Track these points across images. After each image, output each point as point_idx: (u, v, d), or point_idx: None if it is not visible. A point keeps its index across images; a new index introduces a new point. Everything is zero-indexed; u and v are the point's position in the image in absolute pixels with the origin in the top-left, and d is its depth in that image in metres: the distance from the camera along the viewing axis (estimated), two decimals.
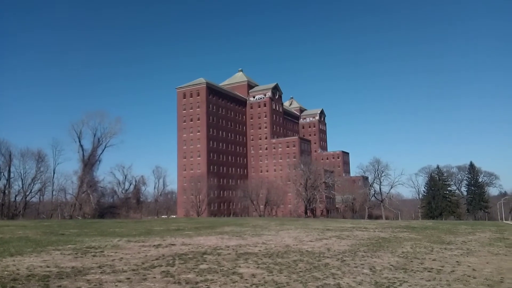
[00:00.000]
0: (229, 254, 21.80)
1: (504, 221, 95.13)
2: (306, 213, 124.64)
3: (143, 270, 16.57)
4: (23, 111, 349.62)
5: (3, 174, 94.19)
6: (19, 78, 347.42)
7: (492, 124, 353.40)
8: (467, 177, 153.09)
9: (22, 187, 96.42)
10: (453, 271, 17.39)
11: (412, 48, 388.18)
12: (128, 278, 14.87)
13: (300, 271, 16.68)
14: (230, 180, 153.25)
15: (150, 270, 16.71)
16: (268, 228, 42.38)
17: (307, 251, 23.46)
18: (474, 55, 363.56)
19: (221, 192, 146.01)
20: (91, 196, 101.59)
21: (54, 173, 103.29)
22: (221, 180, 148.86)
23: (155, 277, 15.15)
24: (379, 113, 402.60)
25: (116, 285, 13.68)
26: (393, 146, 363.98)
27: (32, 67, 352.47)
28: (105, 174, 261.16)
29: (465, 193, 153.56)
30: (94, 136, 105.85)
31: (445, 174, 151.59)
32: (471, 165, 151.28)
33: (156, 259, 19.82)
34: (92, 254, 21.36)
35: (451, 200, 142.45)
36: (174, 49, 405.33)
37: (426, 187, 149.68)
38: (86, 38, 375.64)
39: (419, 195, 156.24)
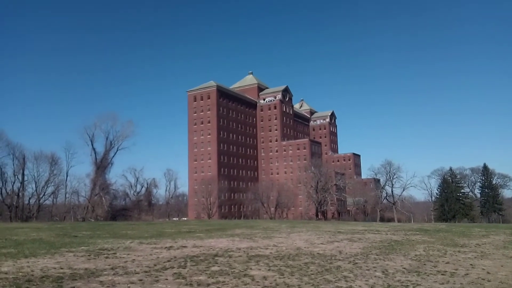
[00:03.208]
0: (240, 256, 21.82)
1: None
2: (317, 215, 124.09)
3: (155, 272, 16.68)
4: (36, 114, 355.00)
5: (17, 177, 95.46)
6: (32, 81, 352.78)
7: (506, 125, 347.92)
8: (480, 179, 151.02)
9: (36, 189, 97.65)
10: (467, 274, 17.15)
11: (423, 50, 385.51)
12: (141, 280, 14.99)
13: (312, 274, 16.62)
14: (240, 183, 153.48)
15: (162, 271, 16.81)
16: (279, 231, 42.31)
17: (318, 253, 23.35)
18: (488, 57, 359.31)
19: (232, 194, 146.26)
20: (103, 198, 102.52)
21: (67, 176, 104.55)
22: (232, 182, 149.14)
23: (167, 279, 15.25)
24: (391, 114, 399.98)
25: (129, 287, 13.80)
26: (405, 148, 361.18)
27: (45, 70, 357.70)
28: (117, 177, 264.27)
29: (478, 196, 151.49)
30: (107, 139, 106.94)
31: (458, 176, 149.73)
32: (485, 167, 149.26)
33: (168, 261, 19.93)
34: (105, 255, 21.56)
35: (465, 202, 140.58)
36: (184, 52, 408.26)
37: (439, 190, 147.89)
38: (98, 41, 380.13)
39: (431, 197, 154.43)
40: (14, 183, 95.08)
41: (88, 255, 21.63)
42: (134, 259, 20.25)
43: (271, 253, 23.39)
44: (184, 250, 24.37)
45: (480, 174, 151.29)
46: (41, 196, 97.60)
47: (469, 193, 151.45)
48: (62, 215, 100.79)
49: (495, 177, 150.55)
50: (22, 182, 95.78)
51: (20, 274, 15.88)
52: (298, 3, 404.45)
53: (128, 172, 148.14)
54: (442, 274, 16.93)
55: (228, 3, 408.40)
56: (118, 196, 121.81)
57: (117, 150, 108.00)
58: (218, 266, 18.25)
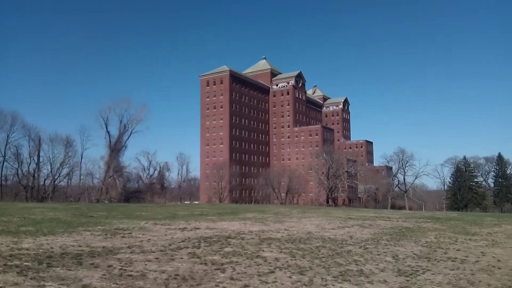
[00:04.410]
0: (252, 238, 22.23)
1: None
2: (327, 202, 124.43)
3: (170, 251, 17.17)
4: (52, 97, 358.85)
5: (33, 159, 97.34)
6: (48, 63, 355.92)
7: None
8: (494, 168, 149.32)
9: (51, 171, 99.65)
10: (477, 261, 17.29)
11: (437, 37, 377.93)
12: (157, 258, 15.47)
13: (323, 257, 16.93)
14: (252, 168, 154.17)
15: (177, 251, 17.30)
16: (290, 216, 42.71)
17: (329, 238, 23.66)
18: (502, 46, 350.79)
19: (243, 179, 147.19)
20: (117, 181, 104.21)
21: (81, 158, 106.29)
22: (243, 167, 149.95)
23: (182, 258, 15.71)
24: (404, 102, 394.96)
25: (146, 264, 14.27)
26: (419, 136, 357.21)
27: (61, 53, 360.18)
28: (130, 160, 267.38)
29: (492, 185, 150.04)
30: (121, 122, 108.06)
31: (472, 165, 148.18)
32: (499, 157, 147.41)
33: (182, 241, 20.44)
34: (121, 235, 22.16)
35: (477, 191, 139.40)
36: (198, 37, 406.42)
37: (451, 178, 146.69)
38: (113, 25, 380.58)
39: (444, 186, 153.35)
40: (30, 164, 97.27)
41: (105, 234, 22.25)
42: (149, 239, 20.80)
43: (282, 236, 23.77)
44: (197, 232, 24.89)
45: (494, 164, 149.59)
46: (56, 177, 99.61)
47: (483, 183, 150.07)
48: (76, 196, 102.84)
49: (510, 167, 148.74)
50: (37, 163, 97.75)
51: (41, 250, 16.48)
52: None
53: (142, 155, 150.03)
54: (453, 261, 17.10)
55: None
56: (132, 179, 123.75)
57: (130, 134, 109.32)
58: (231, 248, 18.67)
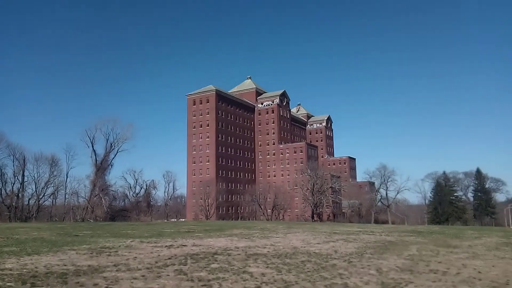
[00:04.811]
0: (239, 254, 22.37)
1: (511, 227, 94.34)
2: (313, 217, 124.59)
3: (157, 269, 17.21)
4: (37, 116, 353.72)
5: (17, 178, 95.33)
6: (32, 82, 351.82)
7: (499, 130, 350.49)
8: (473, 183, 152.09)
9: (36, 190, 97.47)
10: (459, 273, 17.68)
11: (418, 52, 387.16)
12: (143, 276, 15.51)
13: (308, 271, 17.19)
14: (238, 185, 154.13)
15: (163, 268, 17.34)
16: (276, 231, 42.85)
17: (314, 252, 23.94)
18: (481, 59, 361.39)
19: (230, 196, 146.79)
20: (103, 199, 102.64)
21: (67, 177, 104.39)
22: (230, 184, 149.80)
23: (168, 275, 15.78)
24: (385, 119, 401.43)
25: (132, 282, 14.30)
26: (399, 151, 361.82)
27: (46, 71, 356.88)
28: (116, 178, 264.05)
29: (471, 199, 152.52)
30: (107, 141, 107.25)
31: (451, 180, 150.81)
32: (478, 171, 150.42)
33: (169, 258, 20.46)
34: (107, 253, 22.05)
35: (458, 205, 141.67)
36: (184, 56, 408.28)
37: (432, 193, 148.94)
38: (99, 43, 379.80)
39: (425, 200, 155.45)
40: (14, 184, 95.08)
41: (91, 253, 22.10)
42: (135, 257, 20.77)
43: (268, 251, 23.95)
44: (184, 249, 24.90)
45: (473, 178, 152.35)
46: (40, 197, 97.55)
47: (462, 197, 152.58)
48: (61, 216, 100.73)
49: (488, 181, 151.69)
50: (22, 183, 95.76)
51: (25, 270, 16.34)
52: (296, 9, 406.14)
53: (128, 174, 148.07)
54: (435, 273, 17.49)
55: (228, 9, 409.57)
56: (118, 197, 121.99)
57: (117, 152, 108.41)
58: (218, 264, 18.80)
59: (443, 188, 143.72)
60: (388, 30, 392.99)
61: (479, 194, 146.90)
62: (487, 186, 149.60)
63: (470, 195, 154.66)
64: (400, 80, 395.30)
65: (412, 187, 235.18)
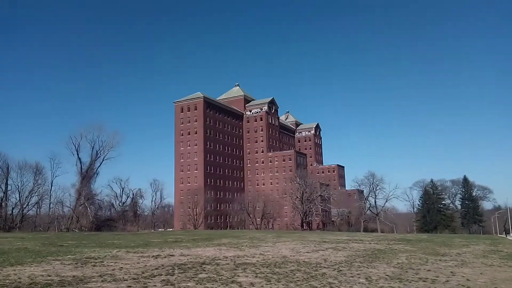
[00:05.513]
0: (228, 264, 22.10)
1: (498, 234, 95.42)
2: (302, 226, 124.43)
3: (143, 279, 16.86)
4: (21, 123, 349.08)
5: (0, 187, 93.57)
6: (16, 89, 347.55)
7: (485, 138, 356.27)
8: (461, 191, 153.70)
9: (19, 199, 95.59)
10: (448, 281, 17.73)
11: (405, 63, 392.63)
12: (129, 286, 15.18)
13: (298, 280, 17.02)
14: (227, 193, 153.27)
15: (150, 279, 17.00)
16: (265, 240, 42.59)
17: (304, 261, 23.78)
18: (470, 69, 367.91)
19: (218, 205, 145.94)
20: (88, 209, 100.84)
21: (51, 186, 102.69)
22: (218, 193, 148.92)
23: (155, 285, 15.46)
24: (373, 127, 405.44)
25: None
26: (388, 159, 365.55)
27: (31, 79, 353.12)
28: (102, 187, 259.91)
29: (459, 207, 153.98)
30: (92, 149, 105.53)
31: (439, 188, 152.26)
32: (465, 179, 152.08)
33: (156, 268, 20.10)
34: (92, 264, 21.60)
35: (446, 213, 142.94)
36: (172, 63, 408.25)
37: (420, 201, 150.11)
38: (84, 51, 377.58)
39: (413, 208, 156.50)
40: None
41: (75, 263, 21.63)
42: (121, 267, 20.36)
43: (257, 261, 23.72)
44: (171, 259, 24.53)
45: (460, 186, 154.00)
46: (24, 206, 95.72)
47: (450, 205, 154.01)
48: (46, 226, 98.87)
49: (475, 189, 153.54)
50: (5, 192, 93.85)
51: (8, 281, 15.88)
52: (284, 16, 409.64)
53: (114, 182, 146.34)
54: (424, 281, 17.49)
55: (216, 16, 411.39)
56: (103, 207, 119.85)
57: (102, 160, 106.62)
58: (206, 274, 18.51)
59: (431, 196, 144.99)
60: (378, 43, 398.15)
61: (467, 202, 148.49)
62: (474, 194, 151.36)
63: (457, 203, 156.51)
64: (389, 90, 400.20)
65: (400, 195, 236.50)
